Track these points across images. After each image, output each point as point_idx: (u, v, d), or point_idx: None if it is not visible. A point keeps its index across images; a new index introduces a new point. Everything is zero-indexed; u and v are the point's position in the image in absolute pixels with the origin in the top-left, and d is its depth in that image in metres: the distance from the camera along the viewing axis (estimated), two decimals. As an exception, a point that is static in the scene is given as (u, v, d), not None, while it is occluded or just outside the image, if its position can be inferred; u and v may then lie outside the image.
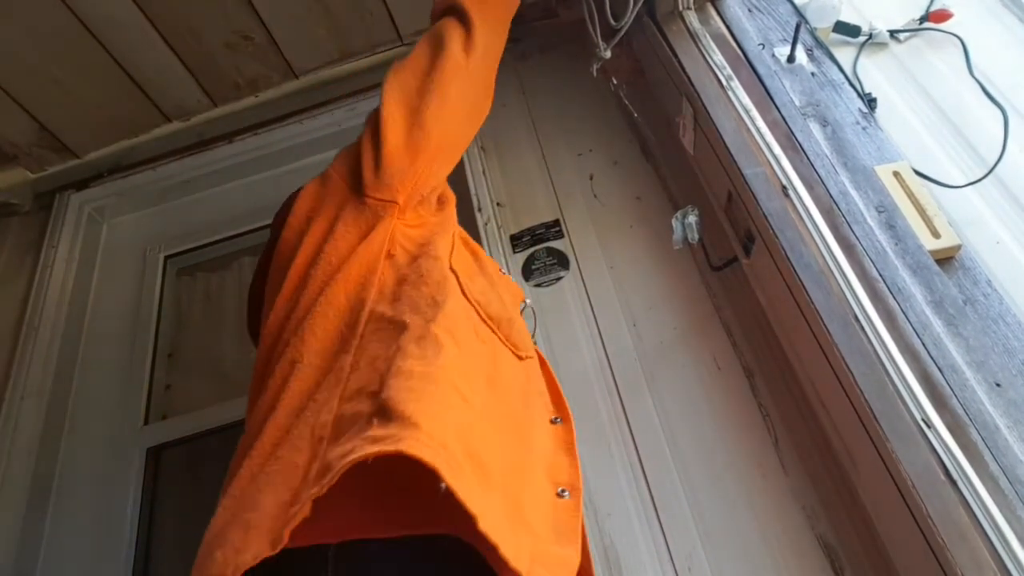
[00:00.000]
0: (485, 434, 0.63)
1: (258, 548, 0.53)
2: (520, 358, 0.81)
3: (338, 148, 1.82)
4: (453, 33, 0.86)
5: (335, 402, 0.63)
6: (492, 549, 0.54)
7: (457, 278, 0.76)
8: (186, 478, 1.44)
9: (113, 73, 1.55)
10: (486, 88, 0.91)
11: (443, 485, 0.51)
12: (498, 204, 1.45)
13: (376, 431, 0.55)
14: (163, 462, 1.44)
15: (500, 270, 0.92)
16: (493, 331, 0.77)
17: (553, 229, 1.39)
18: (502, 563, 0.55)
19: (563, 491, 0.70)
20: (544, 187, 1.46)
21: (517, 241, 1.39)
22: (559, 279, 1.33)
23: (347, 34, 1.60)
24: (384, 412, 0.57)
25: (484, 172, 1.48)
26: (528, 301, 1.04)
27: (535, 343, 1.24)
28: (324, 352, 0.69)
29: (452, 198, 0.91)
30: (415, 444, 0.52)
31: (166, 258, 1.71)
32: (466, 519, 0.53)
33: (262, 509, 0.56)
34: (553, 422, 0.81)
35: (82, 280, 1.65)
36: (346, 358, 0.67)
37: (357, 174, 0.80)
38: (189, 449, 1.44)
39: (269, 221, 1.72)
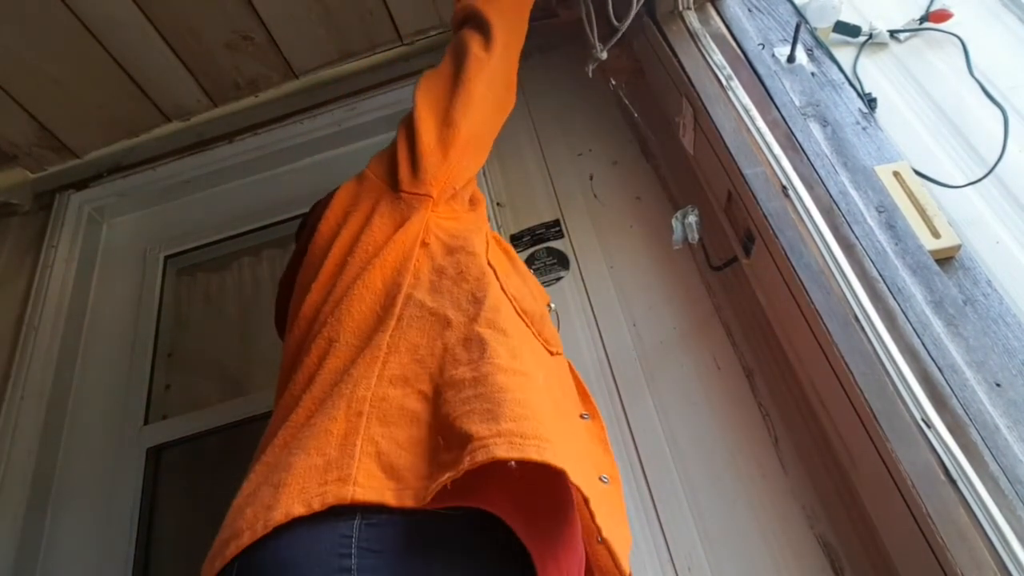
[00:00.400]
0: (544, 402, 0.65)
1: (287, 506, 0.55)
2: (551, 353, 0.83)
3: (338, 148, 1.84)
4: (472, 36, 0.93)
5: (373, 379, 0.66)
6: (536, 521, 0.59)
7: (495, 273, 0.79)
8: (186, 478, 1.44)
9: (113, 73, 1.55)
10: (508, 81, 0.97)
11: (552, 467, 0.55)
12: (498, 204, 1.45)
13: (444, 456, 0.59)
14: (163, 462, 1.44)
15: (529, 270, 0.95)
16: (528, 326, 0.79)
17: (553, 229, 1.39)
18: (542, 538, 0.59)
19: (604, 477, 0.73)
20: (544, 187, 1.46)
21: (517, 241, 1.39)
22: (559, 279, 1.33)
23: (347, 34, 1.60)
24: (447, 433, 0.60)
25: (484, 172, 1.48)
26: (553, 305, 1.04)
27: None
28: (360, 332, 0.73)
29: (483, 199, 0.96)
30: (484, 452, 0.55)
31: (166, 258, 1.71)
32: (514, 496, 0.57)
33: (292, 470, 0.58)
34: (583, 417, 0.84)
35: (82, 280, 1.65)
36: (383, 336, 0.70)
37: (393, 173, 0.85)
38: (189, 449, 1.44)
39: (270, 221, 1.74)
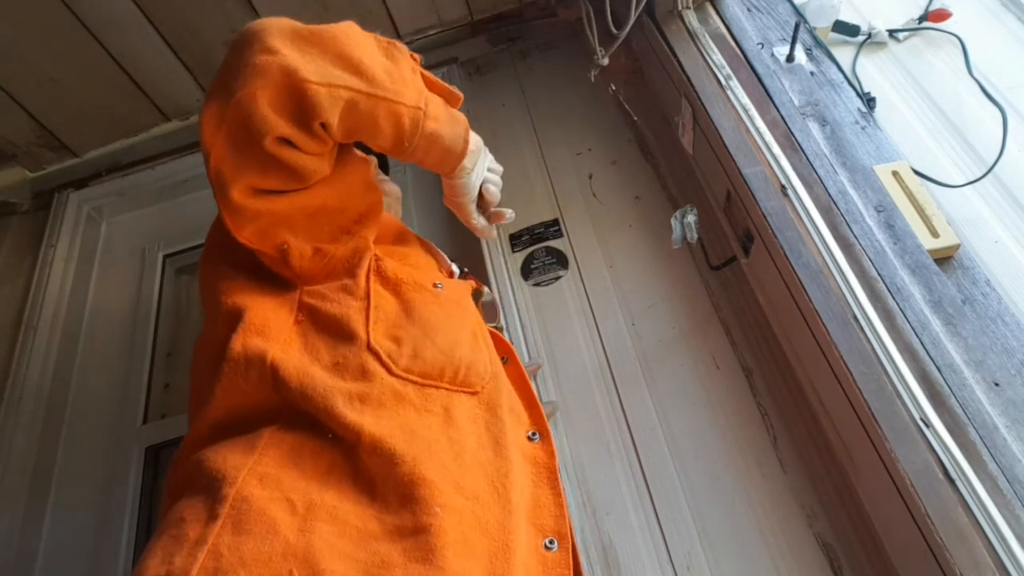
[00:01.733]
0: (469, 528, 0.61)
1: None
2: (476, 392, 0.75)
3: (337, 147, 1.81)
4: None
5: (242, 473, 0.60)
6: None
7: (379, 358, 0.70)
8: (185, 477, 1.44)
9: (112, 72, 1.55)
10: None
11: None
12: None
13: None
14: (162, 461, 1.44)
15: (432, 283, 0.82)
16: (436, 387, 0.72)
17: (552, 228, 1.39)
18: None
19: (550, 542, 0.68)
20: (543, 186, 1.46)
21: (516, 240, 1.39)
22: (558, 278, 1.33)
23: (346, 33, 1.60)
24: (305, 571, 0.55)
25: (483, 171, 1.48)
26: (485, 290, 1.00)
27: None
28: (235, 411, 0.68)
29: (367, 234, 0.80)
30: None
31: (165, 257, 1.71)
32: None
33: (144, 571, 0.55)
34: (530, 438, 0.78)
35: (81, 279, 1.65)
36: (264, 430, 0.65)
37: None
38: (188, 448, 1.44)
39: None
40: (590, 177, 1.46)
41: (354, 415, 0.64)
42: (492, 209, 0.90)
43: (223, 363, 0.67)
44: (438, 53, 1.73)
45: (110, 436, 1.43)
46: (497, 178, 0.90)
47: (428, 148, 0.77)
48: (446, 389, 0.72)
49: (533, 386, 1.18)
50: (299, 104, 0.64)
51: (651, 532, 1.04)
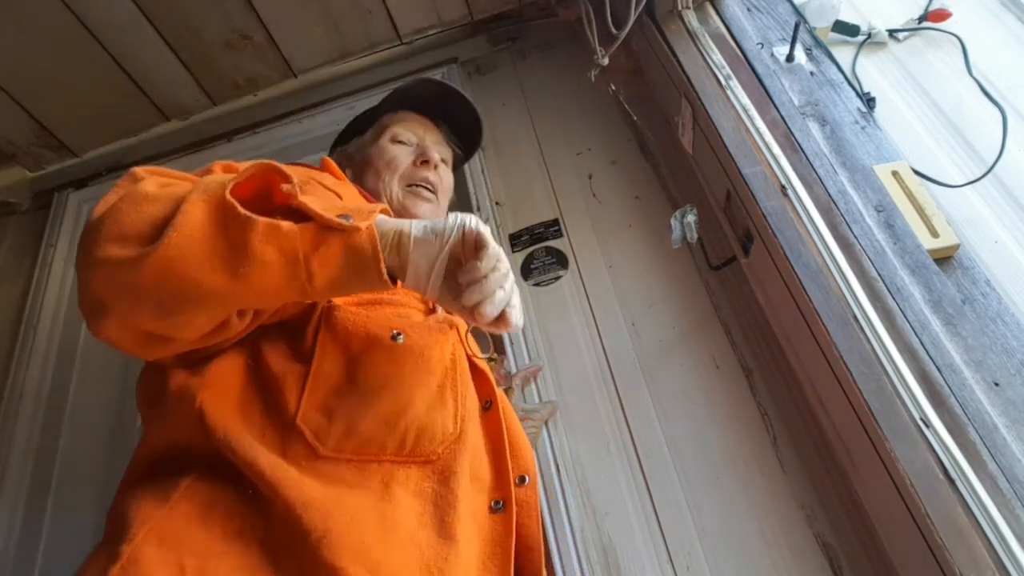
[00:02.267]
0: None
1: None
2: (429, 461, 0.69)
3: (337, 147, 1.80)
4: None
5: (146, 526, 0.59)
6: None
7: (304, 439, 0.66)
8: (185, 477, 1.44)
9: (112, 72, 1.55)
10: None
11: None
12: (497, 203, 1.45)
13: None
14: (162, 461, 1.44)
15: (390, 333, 0.72)
16: (377, 461, 0.67)
17: (552, 228, 1.39)
18: None
19: None
20: (543, 186, 1.46)
21: (516, 240, 1.39)
22: (558, 278, 1.33)
23: (346, 33, 1.60)
24: None
25: (483, 171, 1.48)
26: (469, 327, 0.89)
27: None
28: (167, 442, 0.69)
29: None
30: None
31: (165, 257, 1.71)
32: None
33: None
34: (493, 509, 0.72)
35: (81, 279, 1.65)
36: (182, 479, 0.63)
37: None
38: (188, 448, 1.44)
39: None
40: (590, 177, 1.45)
41: (277, 472, 0.61)
42: (483, 320, 0.63)
43: (163, 394, 0.68)
44: (438, 53, 1.73)
45: (110, 436, 1.43)
46: (482, 276, 0.61)
47: (346, 287, 0.62)
48: (390, 462, 0.67)
49: (532, 402, 1.18)
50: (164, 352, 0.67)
51: (651, 532, 1.04)
